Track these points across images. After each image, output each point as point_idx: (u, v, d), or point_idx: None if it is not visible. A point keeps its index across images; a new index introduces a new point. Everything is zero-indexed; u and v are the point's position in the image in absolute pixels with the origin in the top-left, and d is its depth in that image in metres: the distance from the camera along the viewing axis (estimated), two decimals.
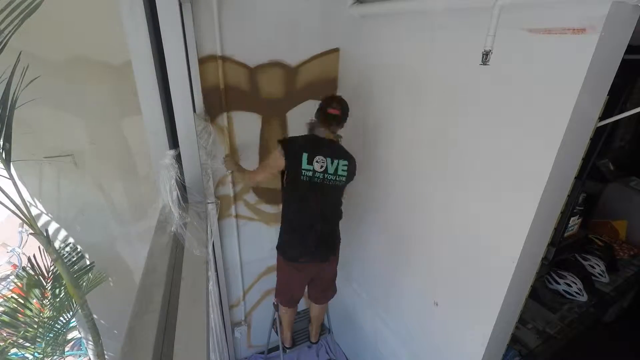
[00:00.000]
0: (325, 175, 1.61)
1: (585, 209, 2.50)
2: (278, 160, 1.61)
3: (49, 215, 1.80)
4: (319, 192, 1.64)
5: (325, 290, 1.98)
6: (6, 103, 1.18)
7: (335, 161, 1.62)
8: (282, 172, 1.66)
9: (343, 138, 1.76)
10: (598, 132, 1.08)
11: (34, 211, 1.72)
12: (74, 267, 1.78)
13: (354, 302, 2.42)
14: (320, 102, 1.65)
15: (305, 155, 1.58)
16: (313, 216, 1.68)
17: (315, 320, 2.18)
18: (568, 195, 1.17)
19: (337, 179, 1.64)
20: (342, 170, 1.64)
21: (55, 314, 1.72)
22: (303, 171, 1.59)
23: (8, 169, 1.27)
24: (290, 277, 1.86)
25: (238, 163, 1.89)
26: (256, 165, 2.09)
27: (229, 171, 1.90)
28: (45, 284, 1.74)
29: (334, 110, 1.59)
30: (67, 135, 1.67)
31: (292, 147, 1.61)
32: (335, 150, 1.64)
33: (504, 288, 1.23)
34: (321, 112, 1.63)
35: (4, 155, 1.24)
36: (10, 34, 1.11)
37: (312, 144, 1.62)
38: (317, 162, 1.59)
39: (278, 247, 1.83)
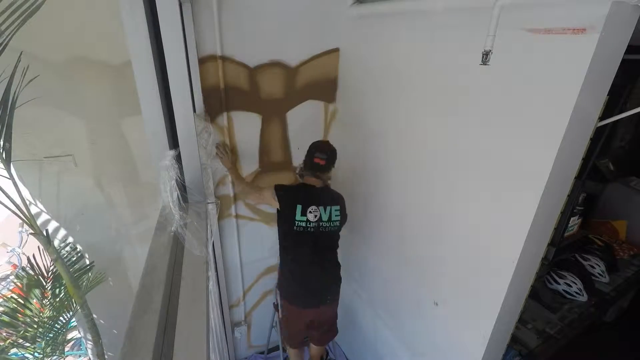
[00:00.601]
0: (320, 224, 1.68)
1: (585, 209, 2.50)
2: (272, 200, 1.67)
3: (49, 215, 1.80)
4: (313, 241, 1.69)
5: (325, 332, 2.01)
6: (6, 103, 1.18)
7: (328, 208, 1.69)
8: (278, 210, 1.71)
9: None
10: (598, 132, 1.08)
11: (34, 211, 1.72)
12: (74, 267, 1.78)
13: (354, 302, 2.42)
14: (309, 147, 1.71)
15: (299, 207, 1.64)
16: (309, 265, 1.73)
17: (315, 358, 2.19)
18: (568, 195, 1.17)
19: (332, 225, 1.71)
20: (335, 216, 1.72)
21: (55, 314, 1.72)
22: (296, 222, 1.64)
23: (8, 169, 1.27)
24: (291, 317, 1.91)
25: (235, 163, 1.90)
26: (256, 166, 2.09)
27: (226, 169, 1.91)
28: (45, 284, 1.74)
29: (319, 160, 1.66)
30: (67, 135, 1.67)
31: (287, 197, 1.66)
32: (327, 198, 1.71)
33: (504, 288, 1.23)
34: (308, 161, 1.70)
35: (4, 155, 1.24)
36: (11, 34, 1.11)
37: (304, 194, 1.68)
38: (310, 212, 1.65)
39: (278, 287, 1.91)
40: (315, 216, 1.66)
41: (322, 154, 1.66)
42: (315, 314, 1.87)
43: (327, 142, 1.75)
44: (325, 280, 1.82)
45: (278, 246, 1.81)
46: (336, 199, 1.75)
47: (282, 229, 1.72)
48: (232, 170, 1.85)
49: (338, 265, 1.87)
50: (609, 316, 2.86)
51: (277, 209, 1.69)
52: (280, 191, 1.67)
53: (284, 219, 1.67)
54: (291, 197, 1.67)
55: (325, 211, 1.68)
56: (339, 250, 1.88)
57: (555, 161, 1.00)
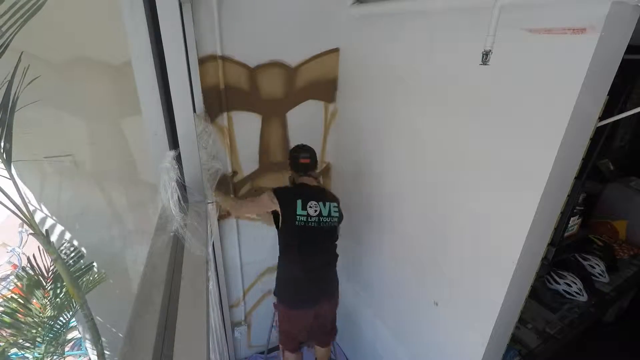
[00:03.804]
0: (321, 219, 1.71)
1: (585, 209, 2.50)
2: (271, 203, 1.69)
3: (49, 215, 1.80)
4: (316, 236, 1.72)
5: (327, 333, 2.02)
6: (7, 104, 1.18)
7: (327, 204, 1.74)
8: (276, 218, 1.73)
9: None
10: (598, 132, 1.08)
11: (34, 211, 1.72)
12: (74, 267, 1.78)
13: (354, 302, 2.42)
14: (290, 155, 1.82)
15: (299, 202, 1.68)
16: (311, 261, 1.74)
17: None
18: (568, 195, 1.17)
19: (331, 220, 1.74)
20: (334, 211, 1.76)
21: (55, 314, 1.72)
22: (298, 216, 1.67)
23: (9, 169, 1.27)
24: (292, 323, 1.89)
25: (223, 193, 1.93)
26: (256, 166, 2.09)
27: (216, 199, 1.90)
28: (45, 284, 1.75)
29: (305, 160, 1.76)
30: (67, 135, 1.67)
31: (286, 195, 1.70)
32: (324, 195, 1.77)
33: (504, 288, 1.23)
34: (294, 164, 1.78)
35: (4, 156, 1.24)
36: (12, 35, 1.11)
37: (303, 191, 1.74)
38: (310, 207, 1.69)
39: (276, 294, 1.89)
40: (316, 211, 1.69)
41: (305, 154, 1.76)
42: (316, 314, 1.86)
43: (304, 144, 1.83)
44: (326, 277, 1.84)
45: (278, 247, 1.81)
46: (334, 198, 1.81)
47: (283, 228, 1.72)
48: (222, 198, 1.87)
49: (336, 259, 1.89)
50: (609, 316, 2.86)
51: (277, 211, 1.69)
52: (278, 191, 1.71)
53: (285, 217, 1.68)
54: (290, 194, 1.71)
55: (324, 206, 1.72)
56: (339, 251, 1.88)
57: (555, 161, 1.00)
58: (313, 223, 1.69)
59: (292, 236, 1.72)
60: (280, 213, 1.68)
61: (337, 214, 1.76)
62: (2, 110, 1.18)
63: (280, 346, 2.03)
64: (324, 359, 2.16)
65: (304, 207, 1.67)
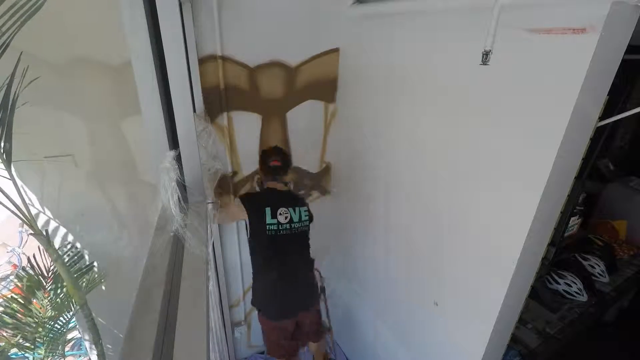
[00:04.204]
0: (292, 225, 1.68)
1: (585, 209, 2.50)
2: (239, 212, 1.63)
3: (49, 215, 1.80)
4: (288, 244, 1.67)
5: (313, 333, 1.98)
6: (7, 104, 1.18)
7: (297, 209, 1.70)
8: (246, 223, 1.69)
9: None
10: (598, 132, 1.08)
11: (34, 211, 1.72)
12: (74, 267, 1.78)
13: (354, 302, 2.42)
14: (260, 155, 1.76)
15: (268, 210, 1.62)
16: (285, 271, 1.68)
17: (317, 354, 2.15)
18: (568, 195, 1.17)
19: (302, 225, 1.71)
20: (305, 216, 1.73)
21: (55, 314, 1.72)
22: (268, 226, 1.62)
23: (9, 169, 1.27)
24: (275, 333, 1.83)
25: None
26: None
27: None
28: (45, 284, 1.74)
29: (275, 162, 1.68)
30: (67, 135, 1.67)
31: (253, 203, 1.64)
32: (293, 199, 1.72)
33: (504, 288, 1.23)
34: (264, 167, 1.71)
35: (4, 156, 1.24)
36: (12, 35, 1.11)
37: (271, 197, 1.68)
38: (280, 214, 1.65)
39: (254, 304, 1.81)
40: (286, 217, 1.65)
41: (277, 156, 1.70)
42: (301, 319, 1.83)
43: (277, 145, 1.78)
44: (302, 284, 1.79)
45: (249, 254, 1.76)
46: (302, 200, 1.78)
47: (253, 239, 1.68)
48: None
49: (311, 264, 1.86)
50: (609, 316, 2.86)
51: (246, 220, 1.65)
52: (245, 199, 1.65)
53: (255, 226, 1.63)
54: (258, 202, 1.66)
55: (295, 212, 1.68)
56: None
57: (555, 161, 1.00)
58: (284, 230, 1.64)
59: (263, 246, 1.67)
60: (248, 222, 1.63)
61: (307, 218, 1.73)
62: (2, 110, 1.18)
63: (271, 356, 1.96)
64: (318, 351, 2.15)
65: (273, 215, 1.63)
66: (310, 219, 1.76)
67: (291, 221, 1.66)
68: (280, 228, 1.64)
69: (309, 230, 1.78)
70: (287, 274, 1.70)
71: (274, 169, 1.70)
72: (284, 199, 1.69)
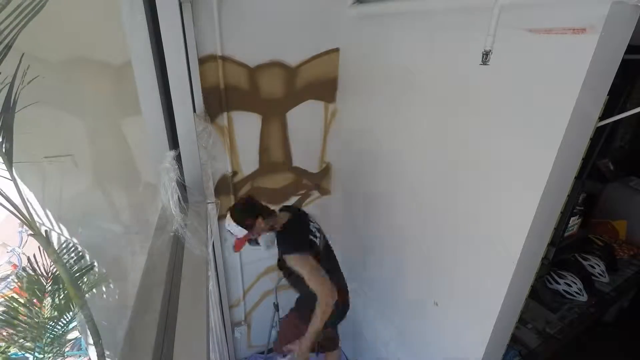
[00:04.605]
0: (321, 235, 1.74)
1: (585, 209, 2.50)
2: (319, 267, 1.54)
3: (49, 215, 1.80)
4: (329, 248, 1.79)
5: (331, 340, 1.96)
6: (8, 104, 1.18)
7: (311, 224, 1.74)
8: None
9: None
10: (598, 132, 1.08)
11: (33, 211, 1.72)
12: (74, 267, 1.78)
13: (354, 301, 2.41)
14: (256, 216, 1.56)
15: (312, 237, 1.65)
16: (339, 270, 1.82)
17: None
18: (568, 195, 1.17)
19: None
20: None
21: (55, 314, 1.72)
22: (318, 242, 1.67)
23: (10, 170, 1.27)
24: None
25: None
26: (256, 166, 2.08)
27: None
28: (45, 284, 1.74)
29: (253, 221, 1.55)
30: (67, 136, 1.67)
31: (303, 244, 1.58)
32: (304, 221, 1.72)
33: (504, 288, 1.23)
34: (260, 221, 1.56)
35: (5, 157, 1.24)
36: (15, 36, 1.11)
37: (298, 226, 1.68)
38: (312, 231, 1.69)
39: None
40: (318, 229, 1.72)
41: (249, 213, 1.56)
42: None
43: (237, 204, 1.64)
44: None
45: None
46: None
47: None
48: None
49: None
50: (609, 316, 2.86)
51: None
52: (296, 246, 1.56)
53: (313, 254, 1.58)
54: (300, 240, 1.60)
55: (315, 226, 1.75)
56: (339, 252, 1.88)
57: (555, 161, 1.00)
58: (321, 239, 1.71)
59: (323, 257, 1.64)
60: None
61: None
62: (3, 110, 1.18)
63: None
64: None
65: (314, 235, 1.69)
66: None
67: (319, 230, 1.74)
68: (320, 240, 1.70)
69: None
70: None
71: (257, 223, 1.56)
72: (302, 219, 1.74)
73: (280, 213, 1.72)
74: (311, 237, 1.64)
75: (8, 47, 1.10)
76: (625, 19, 0.86)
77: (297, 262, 1.52)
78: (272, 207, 1.68)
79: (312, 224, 1.71)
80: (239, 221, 1.52)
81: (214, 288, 2.11)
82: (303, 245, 1.57)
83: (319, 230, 1.73)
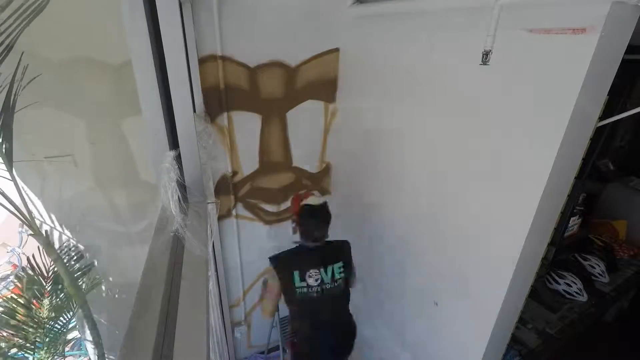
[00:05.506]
0: (323, 287, 1.58)
1: (585, 209, 2.50)
2: (275, 285, 1.58)
3: (49, 215, 1.80)
4: (320, 304, 1.60)
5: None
6: (8, 104, 1.18)
7: (330, 267, 1.58)
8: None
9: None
10: (598, 132, 1.08)
11: (34, 211, 1.72)
12: (74, 267, 1.78)
13: (354, 301, 2.41)
14: (301, 211, 1.59)
15: (296, 274, 1.55)
16: (321, 328, 1.64)
17: None
18: (568, 195, 1.17)
19: (336, 284, 1.60)
20: (339, 273, 1.61)
21: (55, 314, 1.72)
22: (297, 290, 1.56)
23: (10, 170, 1.27)
24: None
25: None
26: (256, 166, 2.09)
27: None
28: (45, 284, 1.74)
29: (311, 231, 1.56)
30: (67, 135, 1.67)
31: (282, 267, 1.58)
32: (326, 257, 1.60)
33: (504, 288, 1.23)
34: (301, 227, 1.59)
35: (5, 157, 1.24)
36: (16, 36, 1.11)
37: (300, 258, 1.59)
38: (310, 276, 1.56)
39: (290, 343, 1.75)
40: (317, 280, 1.56)
41: (319, 225, 1.58)
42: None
43: (320, 205, 1.60)
44: (341, 337, 1.74)
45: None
46: (337, 254, 1.64)
47: (286, 299, 1.62)
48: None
49: (351, 320, 1.77)
50: (609, 316, 2.86)
51: (279, 285, 1.59)
52: (275, 263, 1.58)
53: (285, 288, 1.58)
54: (286, 265, 1.59)
55: (326, 272, 1.58)
56: None
57: (555, 161, 1.00)
58: (315, 293, 1.57)
59: (295, 305, 1.61)
60: (280, 285, 1.58)
61: (342, 275, 1.61)
62: (3, 110, 1.18)
63: None
64: None
65: (302, 279, 1.55)
66: (348, 272, 1.64)
67: (322, 283, 1.57)
68: (310, 291, 1.56)
69: (346, 286, 1.65)
70: (321, 332, 1.64)
71: (310, 234, 1.58)
72: (314, 258, 1.59)
73: (305, 241, 1.62)
74: (294, 269, 1.54)
75: (9, 47, 1.10)
76: (625, 19, 0.86)
77: (269, 272, 1.59)
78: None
79: (312, 269, 1.55)
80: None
81: (214, 288, 2.11)
82: (277, 259, 1.58)
83: (320, 283, 1.57)
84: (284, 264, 1.59)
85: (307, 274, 1.56)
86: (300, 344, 1.72)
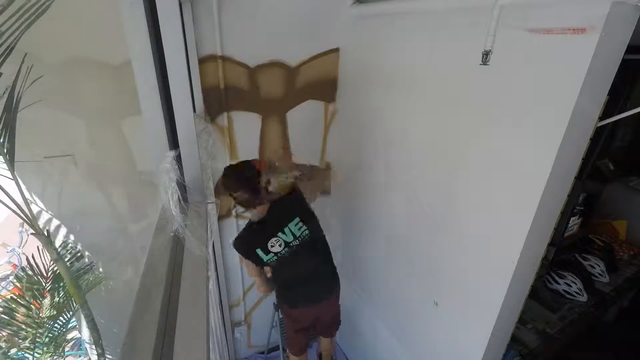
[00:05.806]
0: (290, 247, 1.54)
1: (585, 209, 2.50)
2: (249, 263, 1.58)
3: (50, 215, 1.80)
4: (294, 259, 1.58)
5: (329, 326, 2.00)
6: (10, 104, 1.18)
7: (286, 229, 1.50)
8: None
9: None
10: (598, 132, 1.08)
11: (35, 211, 1.73)
12: (74, 267, 1.78)
13: (354, 301, 2.42)
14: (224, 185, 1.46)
15: (259, 251, 1.52)
16: (300, 274, 1.67)
17: (325, 353, 2.16)
18: (568, 195, 1.17)
19: (303, 238, 1.54)
20: (298, 229, 1.53)
21: (55, 314, 1.72)
22: (268, 262, 1.55)
23: (12, 170, 1.27)
24: (294, 322, 1.85)
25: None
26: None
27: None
28: (45, 284, 1.75)
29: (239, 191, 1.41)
30: (67, 135, 1.67)
31: (244, 250, 1.57)
32: (277, 219, 1.50)
33: (504, 288, 1.23)
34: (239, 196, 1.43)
35: (7, 156, 1.24)
36: (18, 37, 1.11)
37: (256, 237, 1.53)
38: (272, 246, 1.51)
39: (278, 301, 1.87)
40: (281, 245, 1.52)
41: (240, 183, 1.43)
42: (318, 312, 1.84)
43: (240, 162, 1.51)
44: (322, 277, 1.76)
45: None
46: (288, 212, 1.53)
47: (265, 269, 1.68)
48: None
49: (329, 254, 1.76)
50: (609, 316, 2.86)
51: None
52: (237, 247, 1.57)
53: (257, 264, 1.59)
54: (246, 245, 1.56)
55: (285, 234, 1.51)
56: (338, 251, 1.87)
57: (555, 161, 1.00)
58: (284, 253, 1.55)
59: (272, 270, 1.68)
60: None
61: (303, 228, 1.54)
62: (6, 110, 1.18)
63: (287, 349, 2.02)
64: (327, 348, 2.14)
65: (267, 252, 1.52)
66: (311, 222, 1.58)
67: (287, 245, 1.53)
68: (280, 254, 1.55)
69: (316, 235, 1.61)
70: (302, 275, 1.68)
71: (245, 203, 1.45)
72: (266, 228, 1.51)
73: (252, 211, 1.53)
74: (255, 247, 1.51)
75: (11, 48, 1.11)
76: (625, 19, 0.86)
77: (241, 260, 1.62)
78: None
79: (270, 239, 1.50)
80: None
81: (214, 288, 2.11)
82: (239, 246, 1.58)
83: (284, 244, 1.53)
84: (244, 245, 1.58)
85: (269, 245, 1.51)
86: (284, 299, 1.79)
